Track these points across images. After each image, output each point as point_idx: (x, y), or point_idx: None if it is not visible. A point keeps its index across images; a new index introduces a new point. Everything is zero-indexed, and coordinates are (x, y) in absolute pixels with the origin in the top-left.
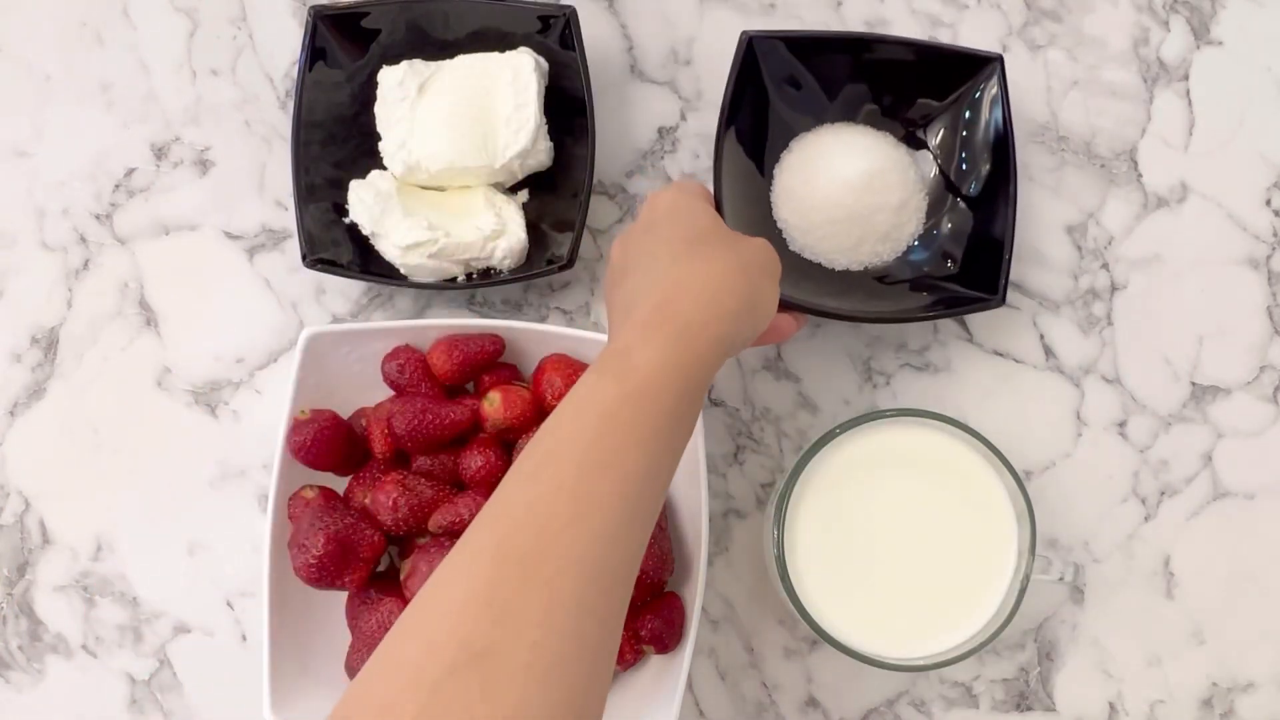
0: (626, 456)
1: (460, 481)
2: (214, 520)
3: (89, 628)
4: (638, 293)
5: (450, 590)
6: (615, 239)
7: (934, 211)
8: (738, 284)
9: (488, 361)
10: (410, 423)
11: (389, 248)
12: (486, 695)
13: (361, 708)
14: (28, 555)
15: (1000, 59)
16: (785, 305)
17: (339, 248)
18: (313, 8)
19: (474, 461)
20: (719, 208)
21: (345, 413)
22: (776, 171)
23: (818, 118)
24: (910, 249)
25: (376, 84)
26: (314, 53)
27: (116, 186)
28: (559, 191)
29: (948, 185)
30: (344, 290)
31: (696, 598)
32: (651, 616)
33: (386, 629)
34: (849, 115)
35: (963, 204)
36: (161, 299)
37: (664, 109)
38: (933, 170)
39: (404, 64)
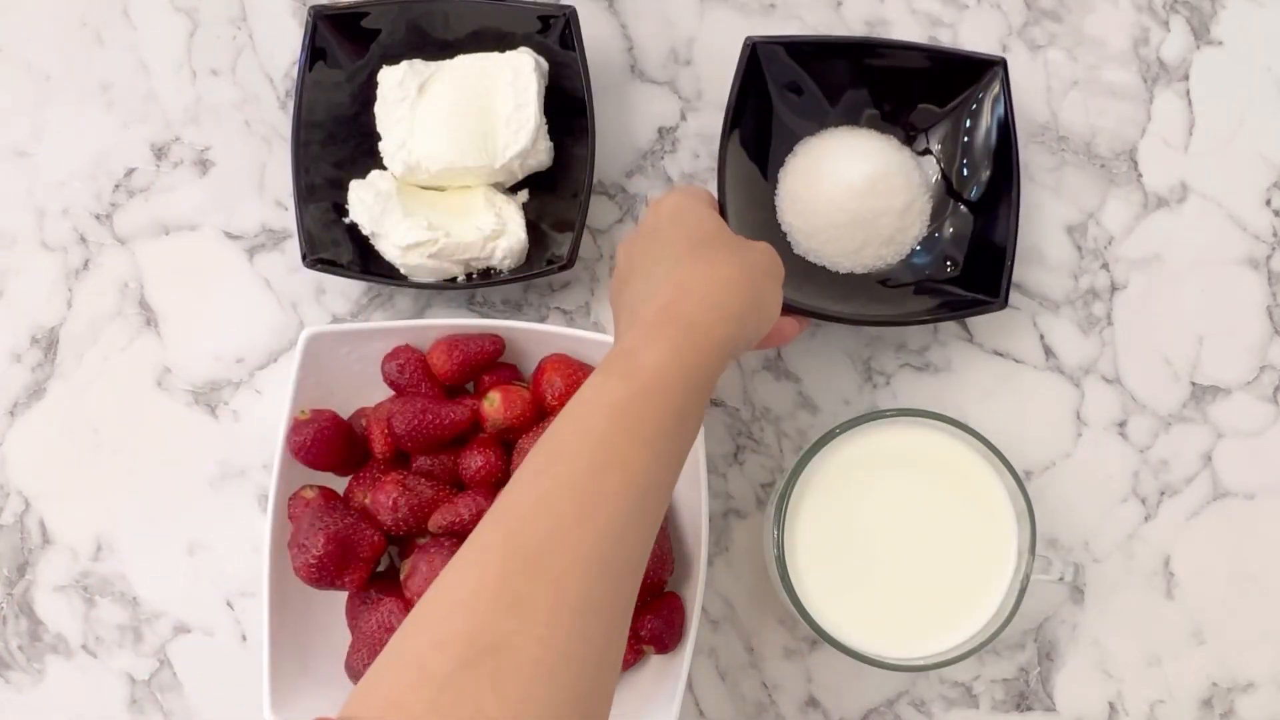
0: (633, 455)
1: (460, 481)
2: (214, 520)
3: (89, 628)
4: (643, 295)
5: (458, 585)
6: (620, 243)
7: (936, 215)
8: (742, 286)
9: (488, 361)
10: (410, 423)
11: (389, 248)
12: (496, 690)
13: (371, 705)
14: (28, 555)
15: (1004, 63)
16: (789, 309)
17: (339, 248)
18: (313, 8)
19: (474, 461)
20: (723, 212)
21: (345, 413)
22: (781, 175)
23: (820, 123)
24: (913, 252)
25: (376, 84)
26: (314, 53)
27: (116, 186)
28: (559, 191)
29: (949, 189)
30: (344, 290)
31: (696, 598)
32: (651, 616)
33: (386, 629)
34: (850, 121)
35: (964, 208)
36: (161, 299)
37: (664, 109)
38: (935, 174)
39: (404, 64)
